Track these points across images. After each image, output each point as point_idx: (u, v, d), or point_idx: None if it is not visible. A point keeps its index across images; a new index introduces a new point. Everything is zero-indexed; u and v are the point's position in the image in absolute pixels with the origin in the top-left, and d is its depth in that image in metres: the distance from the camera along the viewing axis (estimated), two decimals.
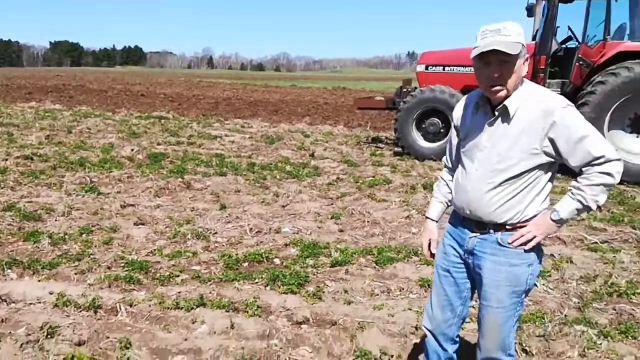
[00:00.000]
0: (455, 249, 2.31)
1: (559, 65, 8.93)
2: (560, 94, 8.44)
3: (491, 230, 2.16)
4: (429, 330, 2.44)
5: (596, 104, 7.70)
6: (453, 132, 2.38)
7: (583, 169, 2.02)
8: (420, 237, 2.58)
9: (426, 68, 10.00)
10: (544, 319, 3.56)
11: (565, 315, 3.65)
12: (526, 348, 3.19)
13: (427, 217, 2.50)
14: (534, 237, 2.11)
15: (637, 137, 7.95)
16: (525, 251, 2.13)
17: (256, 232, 5.34)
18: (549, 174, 2.12)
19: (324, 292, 3.99)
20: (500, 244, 2.15)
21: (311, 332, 3.40)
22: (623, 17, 8.62)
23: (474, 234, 2.22)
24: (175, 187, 7.01)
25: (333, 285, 4.12)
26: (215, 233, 5.27)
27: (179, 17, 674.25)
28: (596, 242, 5.07)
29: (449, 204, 2.42)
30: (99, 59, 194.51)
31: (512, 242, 2.12)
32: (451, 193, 2.37)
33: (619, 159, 2.00)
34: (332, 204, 6.52)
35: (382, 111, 13.73)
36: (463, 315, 2.40)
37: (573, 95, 8.25)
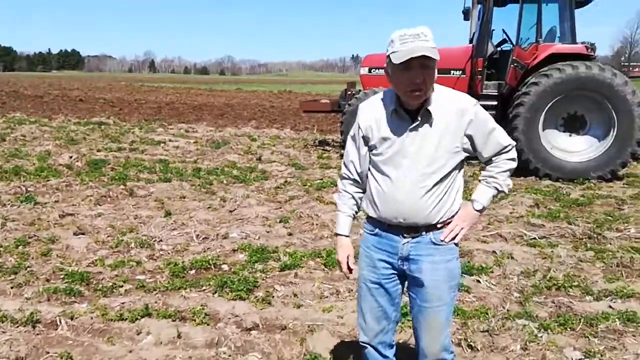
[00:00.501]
0: (385, 261, 2.25)
1: (495, 68, 9.26)
2: (496, 95, 8.88)
3: (424, 232, 2.19)
4: (367, 343, 2.39)
5: (531, 104, 8.03)
6: (358, 142, 2.24)
7: (493, 159, 2.20)
8: (336, 255, 2.39)
9: (369, 71, 10.14)
10: (487, 314, 3.67)
11: (508, 310, 3.77)
12: (471, 344, 3.27)
13: (338, 234, 2.36)
14: (462, 229, 2.22)
15: (570, 135, 8.34)
16: (455, 245, 2.24)
17: (203, 239, 5.25)
18: (462, 169, 2.23)
19: (273, 297, 3.96)
20: (434, 243, 2.20)
21: (261, 338, 3.36)
22: (553, 20, 9.04)
23: (406, 240, 2.19)
24: (117, 195, 6.80)
25: (282, 290, 4.10)
26: (160, 241, 5.14)
27: (118, 20, 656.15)
28: (535, 238, 5.28)
29: (356, 216, 2.37)
30: (33, 63, 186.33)
31: (444, 239, 2.20)
32: (357, 206, 2.34)
33: (514, 145, 2.24)
34: (280, 207, 6.49)
35: (328, 114, 13.83)
36: (397, 319, 2.43)
37: (509, 96, 8.57)
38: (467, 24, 10.38)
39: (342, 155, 10.07)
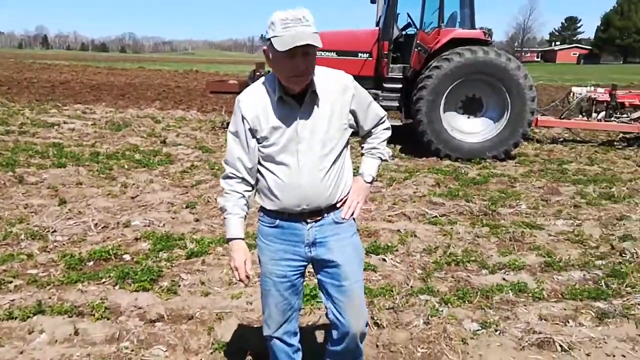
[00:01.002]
0: (290, 252, 2.22)
1: (401, 51, 9.50)
2: (402, 78, 9.12)
3: (326, 214, 2.20)
4: (271, 336, 2.38)
5: (433, 87, 8.32)
6: (244, 136, 2.12)
7: (372, 130, 2.31)
8: (232, 262, 2.23)
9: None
10: (392, 292, 3.79)
11: (411, 287, 3.91)
12: (377, 321, 3.36)
13: (233, 239, 2.21)
14: (358, 203, 2.28)
15: (468, 117, 8.76)
16: (353, 220, 2.29)
17: (102, 228, 4.97)
18: (349, 144, 2.25)
19: (179, 286, 3.84)
20: (337, 223, 2.23)
21: (166, 330, 3.25)
22: (454, 6, 9.40)
23: (309, 225, 2.19)
24: (4, 182, 6.26)
25: (189, 278, 3.98)
26: (54, 231, 4.80)
27: None
28: (436, 216, 5.51)
29: (247, 216, 2.27)
30: None
31: (345, 216, 2.24)
32: (248, 205, 2.22)
33: (386, 114, 2.35)
34: (186, 192, 6.29)
35: (237, 95, 13.54)
36: (300, 306, 2.43)
37: (413, 79, 8.83)
38: (374, 7, 10.55)
39: None
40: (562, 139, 10.59)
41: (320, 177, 2.12)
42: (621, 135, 10.53)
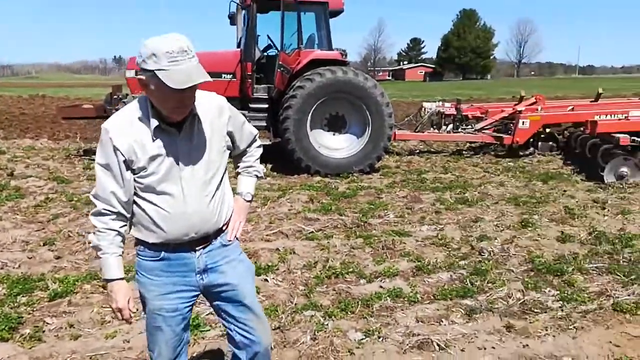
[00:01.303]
0: (179, 283, 2.12)
1: (264, 72, 9.63)
2: (267, 98, 9.23)
3: (214, 239, 2.17)
4: None
5: (298, 107, 8.53)
6: (117, 169, 1.96)
7: (247, 149, 2.34)
8: (114, 304, 2.08)
9: (136, 73, 9.62)
10: (277, 311, 3.78)
11: (295, 304, 3.93)
12: None
13: (113, 280, 2.05)
14: (240, 223, 2.29)
15: (334, 134, 9.10)
16: (237, 240, 2.28)
17: None
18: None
19: (44, 332, 3.48)
20: (224, 245, 2.20)
21: None
22: (312, 28, 9.75)
23: (199, 252, 2.12)
24: None
25: (55, 322, 3.63)
26: None
27: None
28: (312, 232, 5.62)
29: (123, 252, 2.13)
30: None
31: (231, 238, 2.23)
32: (124, 241, 2.08)
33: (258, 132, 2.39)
34: (43, 228, 5.74)
35: (92, 120, 12.70)
36: (188, 339, 2.35)
37: (278, 99, 8.98)
38: (233, 28, 10.57)
39: None
40: (418, 151, 11.40)
41: (206, 203, 2.07)
42: (468, 144, 11.61)
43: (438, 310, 3.85)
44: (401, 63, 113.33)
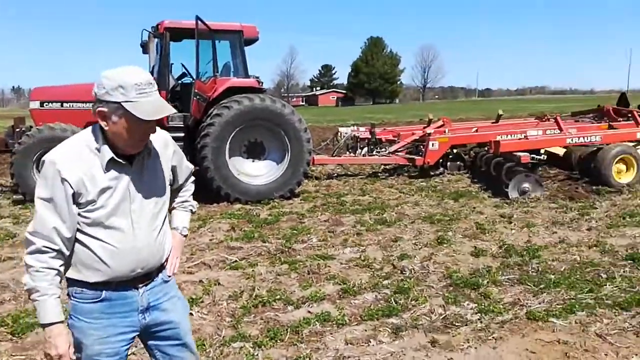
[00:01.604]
0: (120, 325, 2.02)
1: (180, 100, 9.47)
2: (183, 127, 9.08)
3: (155, 275, 2.11)
4: None
5: (216, 134, 8.46)
6: (64, 202, 1.86)
7: (184, 184, 2.33)
8: (54, 350, 1.91)
9: (41, 105, 9.14)
10: (204, 345, 3.68)
11: (223, 336, 3.85)
12: None
13: (53, 323, 1.89)
14: (178, 259, 2.28)
15: (253, 161, 9.08)
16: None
17: None
18: None
19: None
20: (165, 282, 2.16)
21: None
22: (227, 56, 9.76)
23: (142, 290, 2.06)
24: None
25: None
26: None
27: None
28: (236, 260, 5.55)
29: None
30: None
31: (170, 274, 2.20)
32: (61, 281, 1.94)
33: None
34: None
35: None
36: None
37: (195, 127, 8.86)
38: (146, 57, 10.34)
39: (14, 202, 8.79)
40: (336, 174, 11.62)
41: (154, 237, 2.03)
42: (382, 166, 12.00)
43: (366, 330, 3.92)
44: (314, 89, 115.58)
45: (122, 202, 1.94)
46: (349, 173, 11.78)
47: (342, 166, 12.13)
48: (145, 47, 10.10)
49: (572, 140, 9.44)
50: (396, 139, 11.89)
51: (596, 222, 6.69)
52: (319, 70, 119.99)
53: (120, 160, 1.92)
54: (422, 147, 10.87)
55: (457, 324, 3.95)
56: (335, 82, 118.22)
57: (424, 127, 12.30)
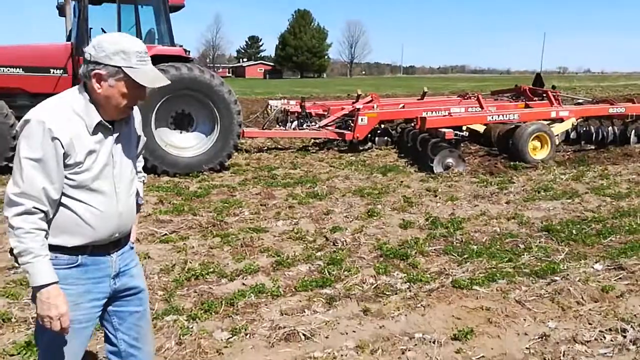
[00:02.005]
0: (94, 291, 2.00)
1: None
2: None
3: (124, 241, 2.13)
4: None
5: (141, 104, 8.13)
6: (53, 163, 1.81)
7: (139, 154, 2.31)
8: (54, 311, 1.85)
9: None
10: None
11: (156, 310, 3.78)
12: None
13: (50, 284, 1.83)
14: (136, 227, 2.33)
15: (181, 132, 8.83)
16: None
17: None
18: None
19: None
20: (131, 248, 2.21)
21: None
22: (151, 22, 9.33)
23: (114, 255, 2.06)
24: None
25: None
26: None
27: None
28: (166, 234, 5.43)
29: None
30: None
31: (133, 239, 2.25)
32: (48, 236, 1.88)
33: None
34: None
35: None
36: None
37: None
38: (62, 20, 9.71)
39: None
40: (266, 148, 11.56)
41: (131, 202, 2.10)
42: (313, 141, 12.06)
43: (300, 301, 3.98)
44: (241, 60, 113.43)
45: (106, 166, 1.95)
46: (280, 147, 11.74)
47: (272, 139, 12.06)
48: (61, 10, 9.50)
49: (492, 117, 9.89)
50: (326, 113, 11.96)
51: (514, 195, 7.09)
52: (246, 41, 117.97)
53: (107, 124, 1.93)
54: (351, 122, 11.00)
55: (387, 293, 4.09)
56: (262, 54, 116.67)
57: (353, 103, 12.44)
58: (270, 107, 12.07)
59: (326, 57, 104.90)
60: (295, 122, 11.76)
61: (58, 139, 1.81)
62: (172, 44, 9.16)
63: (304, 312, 3.80)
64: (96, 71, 1.86)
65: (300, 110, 11.83)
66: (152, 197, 6.91)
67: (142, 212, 6.16)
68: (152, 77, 1.92)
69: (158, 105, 8.33)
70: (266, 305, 3.91)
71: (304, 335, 3.45)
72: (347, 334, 3.50)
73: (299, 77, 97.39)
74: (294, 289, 4.20)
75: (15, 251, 1.82)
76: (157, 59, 8.40)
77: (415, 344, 3.35)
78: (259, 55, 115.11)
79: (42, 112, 1.84)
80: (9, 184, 1.84)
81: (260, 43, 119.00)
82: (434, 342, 3.32)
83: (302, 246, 5.17)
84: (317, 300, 3.99)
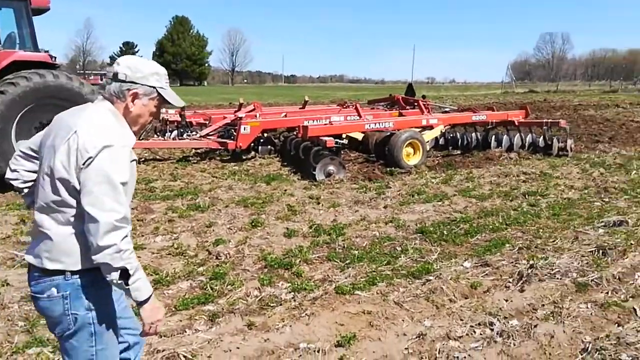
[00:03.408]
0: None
1: None
2: None
3: None
4: None
5: (0, 115, 7.38)
6: (131, 184, 2.03)
7: None
8: (160, 314, 2.10)
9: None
10: None
11: (16, 343, 3.43)
12: None
13: (151, 293, 2.05)
14: None
15: None
16: None
17: None
18: None
19: None
20: None
21: None
22: (11, 26, 8.53)
23: None
24: None
25: None
26: None
27: None
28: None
29: None
30: None
31: None
32: None
33: None
34: None
35: None
36: None
37: None
38: None
39: None
40: (143, 159, 11.02)
41: None
42: (194, 150, 11.73)
43: (181, 321, 3.81)
44: None
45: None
46: (158, 158, 11.26)
47: (150, 150, 11.53)
48: None
49: (369, 126, 10.29)
50: (207, 122, 11.71)
51: (390, 200, 7.41)
52: (120, 47, 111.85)
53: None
54: (233, 131, 10.86)
55: (272, 305, 4.06)
56: None
57: (235, 111, 12.31)
58: None
59: (207, 64, 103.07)
60: (175, 132, 11.38)
61: (135, 161, 2.03)
62: (35, 49, 8.44)
63: (185, 332, 3.65)
64: (133, 90, 2.03)
65: (180, 119, 11.47)
66: (13, 216, 6.29)
67: (1, 233, 5.60)
68: (176, 97, 2.15)
69: (19, 116, 7.61)
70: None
71: (184, 357, 3.31)
72: (230, 350, 3.41)
73: (179, 85, 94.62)
74: (174, 308, 4.02)
75: (131, 272, 1.90)
76: (18, 65, 7.72)
77: (300, 355, 3.34)
78: None
79: (117, 136, 1.94)
80: (103, 211, 1.84)
81: (136, 49, 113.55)
82: (318, 351, 3.34)
83: (183, 262, 4.98)
84: (199, 318, 3.85)
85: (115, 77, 2.01)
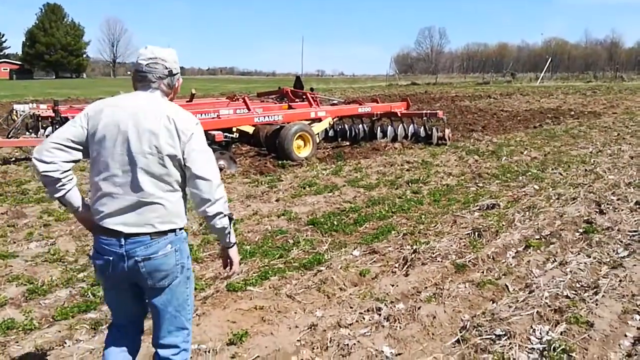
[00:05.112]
0: None
1: None
2: None
3: None
4: None
5: None
6: None
7: None
8: (239, 257, 2.60)
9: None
10: None
11: None
12: None
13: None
14: None
15: None
16: None
17: None
18: None
19: None
20: None
21: None
22: None
23: None
24: None
25: None
26: None
27: None
28: None
29: None
30: None
31: None
32: None
33: None
34: None
35: None
36: None
37: None
38: None
39: None
40: (14, 159, 10.10)
41: None
42: None
43: (60, 332, 3.56)
44: None
45: None
46: (31, 157, 10.38)
47: (21, 149, 10.61)
48: None
49: (259, 119, 10.25)
50: None
51: (283, 193, 7.44)
52: None
53: None
54: None
55: None
56: (6, 51, 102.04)
57: None
58: (16, 112, 10.62)
59: (85, 55, 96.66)
60: (50, 128, 10.56)
61: None
62: None
63: (65, 343, 3.41)
64: (180, 79, 2.44)
65: (54, 114, 10.64)
66: None
67: None
68: None
69: None
70: (17, 342, 3.41)
71: None
72: None
73: (54, 77, 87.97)
74: (52, 319, 3.74)
75: (233, 218, 2.43)
76: None
77: (191, 357, 3.25)
78: (1, 53, 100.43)
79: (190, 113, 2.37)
80: (212, 171, 2.27)
81: (3, 39, 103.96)
82: (209, 352, 3.27)
83: (61, 269, 4.64)
84: (80, 327, 3.61)
85: (170, 73, 2.34)
